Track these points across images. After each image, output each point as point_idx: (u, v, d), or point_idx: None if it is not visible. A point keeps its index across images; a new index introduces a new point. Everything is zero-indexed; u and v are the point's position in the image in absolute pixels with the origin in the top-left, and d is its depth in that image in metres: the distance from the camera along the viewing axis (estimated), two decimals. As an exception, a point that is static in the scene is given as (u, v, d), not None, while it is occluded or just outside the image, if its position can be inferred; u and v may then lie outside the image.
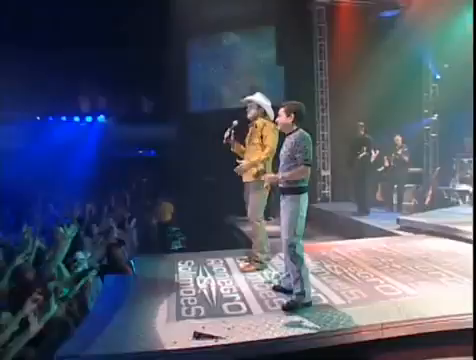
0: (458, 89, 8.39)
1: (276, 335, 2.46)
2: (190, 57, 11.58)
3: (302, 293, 2.85)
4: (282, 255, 4.19)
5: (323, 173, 9.34)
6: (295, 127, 2.96)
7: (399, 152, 7.89)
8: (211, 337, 2.43)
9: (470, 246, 4.27)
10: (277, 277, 3.59)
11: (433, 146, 9.16)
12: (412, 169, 8.30)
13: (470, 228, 4.66)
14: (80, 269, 3.70)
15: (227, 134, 4.04)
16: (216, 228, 7.14)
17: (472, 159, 7.04)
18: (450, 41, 8.37)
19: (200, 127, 10.62)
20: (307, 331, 2.52)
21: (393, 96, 8.63)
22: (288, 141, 2.94)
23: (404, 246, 4.43)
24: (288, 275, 3.14)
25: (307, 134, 2.95)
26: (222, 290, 3.30)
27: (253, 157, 3.85)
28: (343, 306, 2.87)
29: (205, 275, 3.72)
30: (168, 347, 2.33)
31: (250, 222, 3.94)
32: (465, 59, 8.14)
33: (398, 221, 5.59)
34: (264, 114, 3.91)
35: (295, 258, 2.87)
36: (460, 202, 7.12)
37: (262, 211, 3.95)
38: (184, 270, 3.90)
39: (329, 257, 4.16)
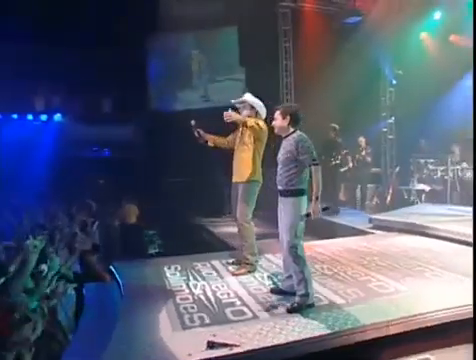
0: (412, 94, 8.99)
1: (291, 338, 2.46)
2: (151, 56, 11.31)
3: (306, 294, 2.87)
4: (269, 257, 4.25)
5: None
6: (292, 129, 2.98)
7: (363, 153, 8.27)
8: (225, 345, 2.37)
9: (441, 242, 4.59)
10: (271, 279, 3.60)
11: (390, 148, 9.70)
12: (373, 169, 8.74)
13: (438, 225, 5.01)
14: (46, 281, 3.45)
15: (196, 134, 4.14)
16: (185, 230, 7.00)
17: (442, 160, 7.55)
18: (405, 48, 8.93)
19: (161, 127, 10.43)
20: (318, 332, 2.54)
21: (355, 99, 9.02)
22: (286, 144, 2.95)
23: (383, 244, 4.63)
24: (288, 277, 3.16)
25: (305, 135, 2.98)
26: (219, 295, 3.23)
27: (247, 158, 3.84)
28: (345, 306, 2.93)
29: (196, 280, 3.62)
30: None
31: (238, 224, 3.89)
32: (418, 66, 8.78)
33: (370, 220, 5.84)
34: (256, 114, 3.91)
35: (297, 259, 2.89)
36: (418, 201, 7.60)
37: (251, 213, 3.93)
38: (172, 276, 3.78)
39: (315, 257, 4.23)
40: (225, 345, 2.37)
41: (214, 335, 2.50)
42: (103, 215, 6.93)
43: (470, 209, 6.17)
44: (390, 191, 8.29)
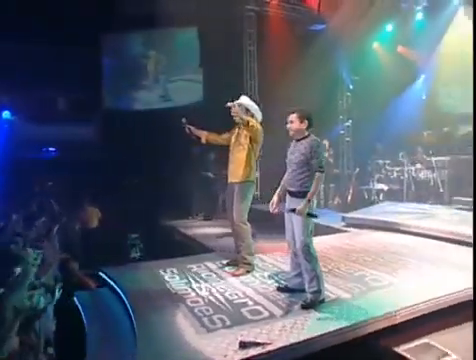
0: (367, 99, 9.64)
1: (314, 333, 2.58)
2: (106, 55, 10.95)
3: (318, 291, 3.01)
4: (262, 257, 4.35)
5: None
6: (307, 133, 3.11)
7: (326, 155, 8.69)
8: (257, 344, 2.42)
9: (412, 237, 5.00)
10: (271, 278, 3.70)
11: (347, 149, 10.30)
12: (334, 171, 9.22)
13: (407, 222, 5.44)
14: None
15: (187, 131, 4.28)
16: (158, 233, 6.87)
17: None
18: (361, 56, 9.55)
19: (118, 127, 10.13)
20: (338, 325, 2.69)
21: (315, 103, 9.42)
22: (300, 147, 3.07)
23: (363, 241, 4.95)
24: (295, 275, 3.28)
25: (319, 140, 3.12)
26: (228, 296, 3.27)
27: (241, 159, 3.91)
28: (351, 299, 3.12)
29: (198, 282, 3.62)
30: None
31: (235, 224, 3.95)
32: (371, 73, 9.43)
33: (343, 219, 6.18)
34: (252, 117, 3.99)
35: (310, 257, 3.02)
36: (378, 200, 8.15)
37: (247, 213, 4.01)
38: (172, 279, 3.73)
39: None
40: (257, 344, 2.43)
41: (242, 335, 2.55)
42: (63, 218, 6.59)
43: (427, 206, 6.79)
44: (350, 191, 8.79)
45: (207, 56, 10.65)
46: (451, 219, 5.72)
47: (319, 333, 2.59)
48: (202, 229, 7.32)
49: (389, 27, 9.24)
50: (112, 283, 3.69)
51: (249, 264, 3.89)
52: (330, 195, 8.85)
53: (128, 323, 2.83)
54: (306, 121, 3.08)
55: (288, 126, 3.15)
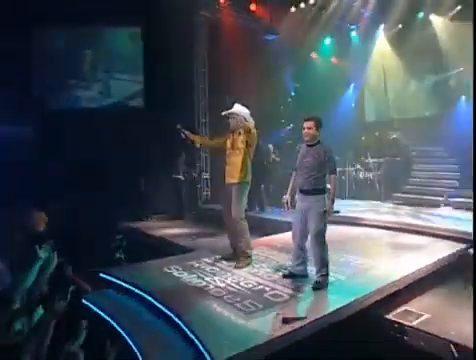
0: (307, 104, 10.66)
1: (336, 306, 3.17)
2: (40, 52, 10.43)
3: (327, 274, 3.62)
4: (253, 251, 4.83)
5: (204, 176, 10.09)
6: (319, 139, 3.68)
7: (273, 156, 9.45)
8: (297, 319, 2.93)
9: (371, 229, 5.91)
10: (272, 268, 4.21)
11: (289, 152, 11.21)
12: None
13: (364, 216, 6.37)
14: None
15: (182, 136, 4.60)
16: (126, 236, 6.91)
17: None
18: (303, 65, 10.57)
19: (56, 127, 9.77)
20: (350, 299, 3.31)
21: (261, 107, 10.19)
22: (314, 152, 3.63)
23: (333, 233, 5.52)
24: (299, 263, 3.84)
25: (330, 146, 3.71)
26: (244, 285, 3.70)
27: (238, 162, 4.35)
28: (349, 280, 3.79)
29: (209, 276, 3.97)
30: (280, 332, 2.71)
31: (234, 222, 4.36)
32: (312, 80, 10.50)
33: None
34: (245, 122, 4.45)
35: (323, 245, 3.61)
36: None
37: (243, 211, 4.46)
38: (181, 275, 4.02)
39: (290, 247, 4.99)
40: (297, 319, 2.93)
41: (278, 314, 3.02)
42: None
43: (364, 202, 7.88)
44: (298, 190, 9.67)
45: (153, 57, 10.74)
46: (393, 212, 6.83)
47: (337, 306, 3.18)
48: (167, 230, 7.55)
49: (327, 41, 10.37)
50: (123, 284, 3.85)
51: (249, 257, 4.35)
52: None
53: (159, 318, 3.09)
54: (320, 128, 3.66)
55: (306, 132, 3.68)
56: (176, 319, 3.05)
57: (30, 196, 8.21)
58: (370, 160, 8.67)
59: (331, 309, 3.15)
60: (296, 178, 3.85)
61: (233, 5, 9.39)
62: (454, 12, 8.86)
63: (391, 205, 7.56)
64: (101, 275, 4.16)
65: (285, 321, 2.89)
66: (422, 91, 10.02)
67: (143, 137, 9.54)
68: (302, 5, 9.59)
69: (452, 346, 3.06)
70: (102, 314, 3.38)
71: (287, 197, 3.91)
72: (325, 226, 3.63)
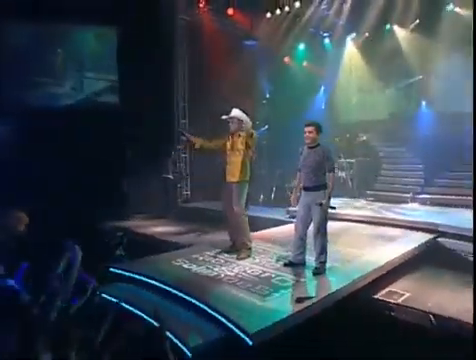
0: (280, 106, 11.28)
1: (338, 287, 3.72)
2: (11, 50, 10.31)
3: (326, 261, 4.16)
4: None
5: (184, 175, 10.44)
6: (318, 141, 4.21)
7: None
8: (308, 298, 3.44)
9: (351, 223, 6.54)
10: (271, 258, 4.70)
11: (265, 152, 11.79)
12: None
13: (343, 212, 7.00)
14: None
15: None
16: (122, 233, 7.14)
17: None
18: (278, 69, 11.18)
19: (20, 125, 9.74)
20: (349, 281, 3.88)
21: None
22: (314, 153, 4.15)
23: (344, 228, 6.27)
24: (298, 253, 4.35)
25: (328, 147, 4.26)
26: (251, 273, 4.16)
27: (238, 162, 4.80)
28: (344, 267, 4.36)
29: (217, 267, 4.39)
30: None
31: (237, 217, 4.82)
32: (285, 83, 11.12)
33: (287, 212, 7.50)
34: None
35: (325, 236, 4.14)
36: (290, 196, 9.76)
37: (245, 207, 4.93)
38: (191, 267, 4.42)
39: (283, 240, 5.51)
40: (308, 298, 3.44)
41: (292, 295, 3.52)
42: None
43: (340, 199, 8.56)
44: (274, 189, 10.25)
45: (130, 57, 10.89)
46: (367, 207, 7.56)
47: (338, 287, 3.74)
48: (156, 228, 7.87)
49: (301, 46, 11.05)
50: (138, 276, 4.19)
51: (249, 249, 4.82)
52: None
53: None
54: (319, 132, 4.19)
55: (307, 135, 4.19)
56: (199, 304, 3.46)
57: (6, 196, 8.21)
58: (343, 160, 9.39)
59: (334, 289, 3.71)
60: (300, 176, 4.36)
61: (213, 10, 9.80)
62: (413, 25, 9.80)
63: (364, 201, 8.29)
64: (111, 270, 4.46)
65: (298, 300, 3.39)
66: (388, 96, 10.94)
67: (120, 137, 9.70)
68: (278, 12, 10.17)
69: (431, 316, 3.71)
70: (124, 305, 3.70)
71: (294, 195, 4.42)
72: (326, 218, 4.17)
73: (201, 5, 9.83)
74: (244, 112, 5.22)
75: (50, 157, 9.32)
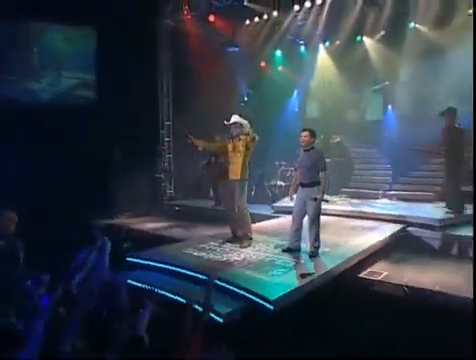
0: (257, 109, 12.15)
1: (331, 266, 4.61)
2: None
3: (319, 246, 5.04)
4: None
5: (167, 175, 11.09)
6: (313, 145, 5.06)
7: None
8: (309, 274, 4.30)
9: (330, 217, 7.48)
10: (269, 246, 5.52)
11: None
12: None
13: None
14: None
15: (189, 141, 5.82)
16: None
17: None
18: (257, 73, 12.07)
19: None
20: (339, 261, 4.78)
21: (220, 111, 11.46)
22: (309, 155, 5.00)
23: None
24: (295, 241, 5.20)
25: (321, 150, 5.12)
26: (257, 258, 4.97)
27: (239, 162, 5.57)
28: (333, 251, 5.26)
29: (225, 254, 5.15)
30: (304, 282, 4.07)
31: (240, 211, 5.58)
32: (262, 87, 12.02)
33: (272, 207, 8.36)
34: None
35: (318, 225, 5.00)
36: (277, 194, 10.66)
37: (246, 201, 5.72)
38: (202, 254, 5.16)
39: (276, 231, 6.35)
40: (309, 274, 4.30)
41: (298, 273, 4.36)
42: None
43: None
44: (253, 187, 11.09)
45: (116, 59, 11.33)
46: (343, 203, 8.57)
47: (332, 266, 4.63)
48: (147, 225, 8.48)
49: (278, 52, 11.99)
50: (157, 264, 4.86)
51: (250, 238, 5.62)
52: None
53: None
54: (313, 137, 5.04)
55: (302, 139, 5.04)
56: (220, 282, 4.20)
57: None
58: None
59: (329, 268, 4.58)
60: (297, 175, 5.21)
61: (196, 16, 10.50)
62: (379, 36, 10.98)
63: (340, 198, 9.31)
64: (129, 259, 5.11)
65: (302, 276, 4.24)
66: (357, 100, 12.10)
67: (106, 136, 10.15)
68: (257, 19, 11.02)
69: (405, 288, 4.67)
70: (147, 286, 4.39)
71: (292, 190, 5.26)
72: (320, 211, 5.03)
73: (185, 11, 10.50)
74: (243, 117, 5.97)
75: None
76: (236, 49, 10.14)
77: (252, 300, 3.84)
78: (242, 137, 5.64)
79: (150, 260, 4.97)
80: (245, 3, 9.55)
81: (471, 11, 9.00)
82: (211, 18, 10.72)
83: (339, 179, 9.91)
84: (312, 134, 5.09)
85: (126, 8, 9.84)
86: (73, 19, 10.61)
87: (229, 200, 5.74)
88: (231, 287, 4.07)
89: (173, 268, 4.69)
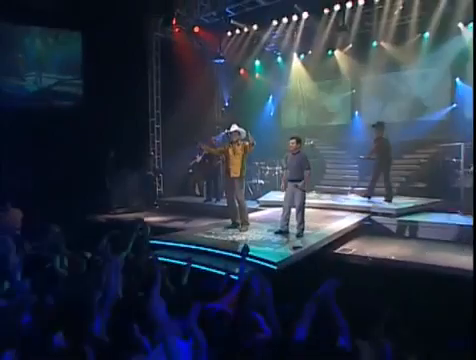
0: (236, 113, 13.85)
1: (314, 241, 6.38)
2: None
3: (304, 228, 6.80)
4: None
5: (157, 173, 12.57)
6: (299, 149, 6.80)
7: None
8: (298, 247, 6.04)
9: (307, 209, 9.30)
10: (262, 230, 7.22)
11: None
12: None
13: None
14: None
15: (197, 146, 7.41)
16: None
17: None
18: (237, 80, 13.77)
19: None
20: (320, 239, 6.56)
21: (204, 115, 13.11)
22: (295, 158, 6.74)
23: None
24: (285, 224, 6.93)
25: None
26: (256, 238, 6.67)
27: (239, 163, 7.23)
28: (313, 232, 7.03)
29: (230, 236, 6.81)
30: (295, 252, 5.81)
31: (239, 202, 7.26)
32: (241, 93, 13.76)
33: (258, 202, 10.07)
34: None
35: (303, 212, 6.75)
36: (257, 190, 12.40)
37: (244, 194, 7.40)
38: (211, 236, 6.79)
39: (265, 220, 8.06)
40: (299, 247, 6.04)
41: (291, 245, 6.09)
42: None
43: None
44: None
45: (102, 62, 12.54)
46: (318, 198, 10.42)
47: (315, 242, 6.41)
48: (145, 218, 9.93)
49: (257, 62, 13.76)
50: (180, 244, 6.43)
51: (248, 224, 7.30)
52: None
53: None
54: (299, 143, 6.78)
55: (290, 145, 6.77)
56: (232, 254, 5.85)
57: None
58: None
59: (312, 244, 6.35)
60: (286, 173, 6.94)
61: (184, 30, 12.05)
62: (347, 49, 12.97)
63: (314, 194, 11.15)
64: (153, 242, 6.64)
65: (294, 248, 5.97)
66: (329, 106, 14.08)
67: (99, 138, 11.46)
68: (238, 31, 12.72)
69: (369, 258, 6.51)
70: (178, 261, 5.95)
71: (284, 184, 6.97)
72: (305, 201, 6.78)
73: (174, 24, 12.02)
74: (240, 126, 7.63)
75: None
76: (222, 61, 11.75)
77: (260, 265, 5.51)
78: (240, 142, 7.31)
79: (172, 242, 6.54)
80: (232, 21, 11.18)
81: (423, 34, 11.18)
82: (196, 29, 12.29)
83: (312, 178, 11.73)
84: (298, 141, 6.84)
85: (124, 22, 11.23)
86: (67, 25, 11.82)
87: (230, 194, 7.39)
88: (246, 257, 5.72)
89: (196, 247, 6.28)
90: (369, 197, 9.50)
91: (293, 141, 6.84)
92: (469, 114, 10.49)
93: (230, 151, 7.38)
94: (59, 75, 12.73)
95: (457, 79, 11.81)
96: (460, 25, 10.97)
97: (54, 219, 8.16)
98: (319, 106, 14.18)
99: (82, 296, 2.95)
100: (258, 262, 5.54)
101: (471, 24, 10.71)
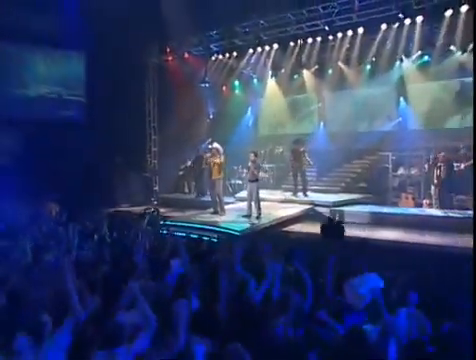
0: (219, 125, 18.32)
1: (269, 220, 10.96)
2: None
3: (261, 214, 11.35)
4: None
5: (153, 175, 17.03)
6: (256, 160, 11.35)
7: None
8: (254, 223, 10.58)
9: (269, 203, 13.91)
10: (233, 214, 11.75)
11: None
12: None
13: (270, 196, 14.39)
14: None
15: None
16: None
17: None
18: (219, 97, 18.33)
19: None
20: (272, 219, 11.14)
21: (191, 127, 17.60)
22: (253, 165, 11.27)
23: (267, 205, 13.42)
24: (249, 209, 11.47)
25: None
26: (230, 219, 11.18)
27: (218, 169, 11.76)
28: (267, 216, 11.59)
29: (214, 218, 11.32)
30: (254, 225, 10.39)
31: (219, 196, 11.77)
32: (223, 107, 18.32)
33: (235, 197, 14.59)
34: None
35: (259, 201, 11.29)
36: (236, 189, 16.88)
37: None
38: (204, 219, 11.28)
39: (238, 209, 12.59)
40: (254, 223, 10.58)
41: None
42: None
43: (269, 190, 15.94)
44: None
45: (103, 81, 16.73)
46: (282, 195, 14.96)
47: (269, 220, 10.98)
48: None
49: (236, 81, 18.31)
50: (184, 223, 10.89)
51: (224, 211, 11.82)
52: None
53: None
54: (256, 156, 11.33)
55: (250, 156, 11.30)
56: (226, 230, 10.32)
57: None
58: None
59: (266, 222, 10.91)
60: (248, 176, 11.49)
61: (176, 57, 16.51)
62: (313, 69, 17.50)
63: (280, 192, 15.68)
64: (167, 223, 11.09)
65: (252, 224, 10.50)
66: (297, 119, 18.66)
67: (105, 147, 15.76)
68: (220, 57, 17.19)
69: (304, 233, 11.06)
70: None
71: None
72: (258, 194, 11.34)
73: (168, 51, 16.43)
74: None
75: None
76: (207, 85, 16.21)
77: (229, 232, 10.00)
78: (218, 156, 11.82)
79: (180, 222, 11.02)
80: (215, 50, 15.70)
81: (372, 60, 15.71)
82: (186, 55, 16.71)
83: (280, 179, 16.34)
84: (255, 154, 11.38)
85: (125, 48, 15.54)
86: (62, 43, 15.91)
87: (212, 191, 11.90)
88: (219, 229, 10.24)
89: (198, 225, 10.75)
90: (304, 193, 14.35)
91: (252, 154, 11.40)
92: (411, 126, 15.29)
93: (211, 160, 11.90)
94: (66, 90, 16.86)
95: (401, 98, 16.39)
96: (403, 56, 15.37)
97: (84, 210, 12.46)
98: (289, 118, 18.73)
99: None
100: (229, 231, 10.05)
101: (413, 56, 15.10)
